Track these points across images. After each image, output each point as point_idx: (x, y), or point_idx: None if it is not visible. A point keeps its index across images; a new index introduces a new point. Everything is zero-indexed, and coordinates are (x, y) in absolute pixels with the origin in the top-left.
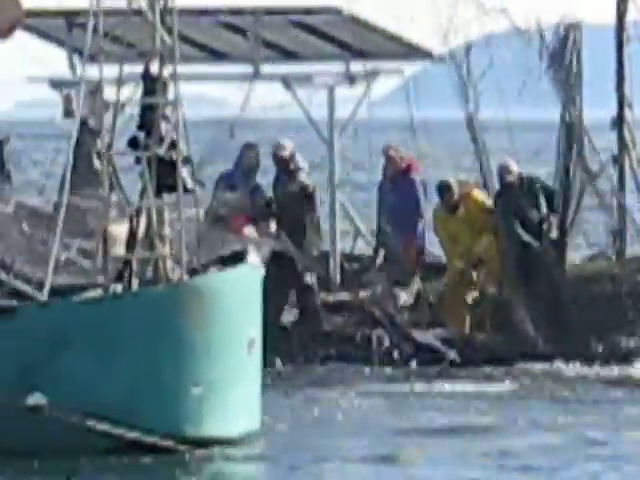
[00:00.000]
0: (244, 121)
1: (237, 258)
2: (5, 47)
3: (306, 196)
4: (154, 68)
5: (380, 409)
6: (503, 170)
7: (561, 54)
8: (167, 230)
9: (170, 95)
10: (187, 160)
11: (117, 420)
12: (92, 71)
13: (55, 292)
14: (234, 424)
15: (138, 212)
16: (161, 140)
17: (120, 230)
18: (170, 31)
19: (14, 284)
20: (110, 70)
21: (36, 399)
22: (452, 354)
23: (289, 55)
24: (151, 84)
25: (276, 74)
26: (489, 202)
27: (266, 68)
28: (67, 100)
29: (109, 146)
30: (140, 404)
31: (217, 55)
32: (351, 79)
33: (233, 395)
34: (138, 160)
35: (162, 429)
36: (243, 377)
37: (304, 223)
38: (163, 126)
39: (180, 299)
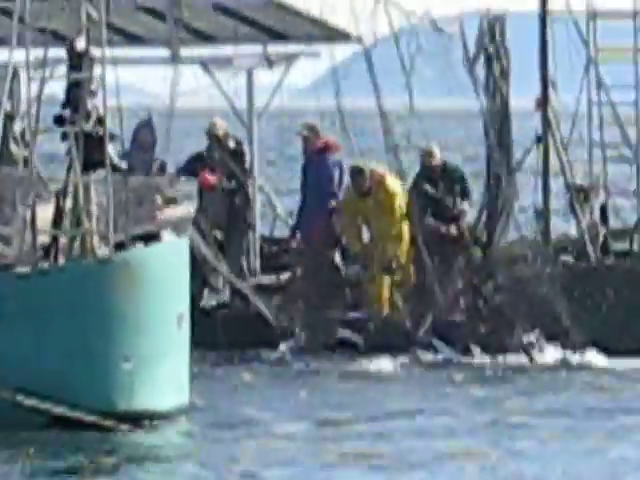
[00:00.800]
0: (162, 109)
1: (150, 239)
2: None
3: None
4: (79, 44)
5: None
6: (427, 154)
7: (485, 47)
8: (94, 206)
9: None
10: (113, 137)
11: (49, 395)
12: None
13: None
14: (164, 398)
15: (65, 189)
16: (88, 116)
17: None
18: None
19: None
20: (21, 54)
21: None
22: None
23: (206, 38)
24: (77, 60)
25: (195, 57)
26: (399, 189)
27: (184, 52)
28: None
29: (35, 125)
30: (72, 379)
31: (134, 39)
32: (269, 61)
33: (163, 369)
34: (64, 137)
35: (94, 403)
36: (173, 351)
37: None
38: (89, 102)
39: (109, 273)
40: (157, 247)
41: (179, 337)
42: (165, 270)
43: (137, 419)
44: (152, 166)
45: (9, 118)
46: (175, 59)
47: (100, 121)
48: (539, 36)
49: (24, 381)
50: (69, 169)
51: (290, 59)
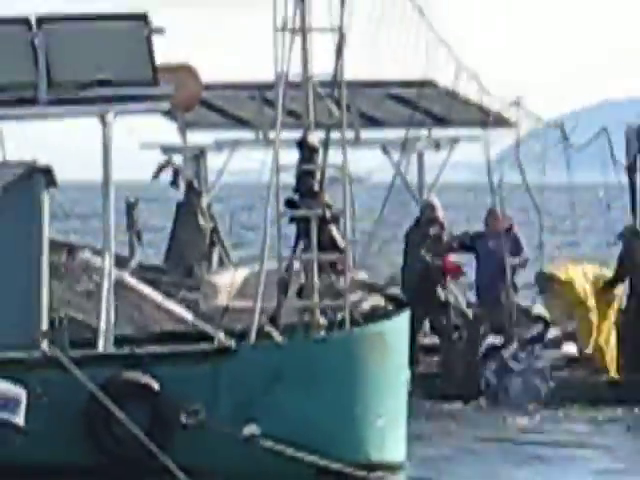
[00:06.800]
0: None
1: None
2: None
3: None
4: (311, 139)
5: None
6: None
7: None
8: (317, 281)
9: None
10: (336, 219)
11: (319, 449)
12: (194, 138)
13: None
14: (402, 451)
15: (289, 266)
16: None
17: (222, 280)
18: (338, 103)
19: (204, 327)
20: (207, 137)
21: (251, 429)
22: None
23: (377, 123)
24: (308, 152)
25: (375, 140)
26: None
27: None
28: (175, 172)
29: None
30: (338, 435)
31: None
32: (437, 145)
33: (401, 425)
34: (291, 220)
35: (355, 456)
36: (404, 410)
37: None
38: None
39: (369, 342)
40: (397, 319)
41: (406, 398)
42: (401, 339)
43: (386, 469)
44: None
45: (197, 194)
46: (357, 141)
47: (328, 206)
48: None
49: (295, 437)
50: (294, 248)
51: (454, 142)
